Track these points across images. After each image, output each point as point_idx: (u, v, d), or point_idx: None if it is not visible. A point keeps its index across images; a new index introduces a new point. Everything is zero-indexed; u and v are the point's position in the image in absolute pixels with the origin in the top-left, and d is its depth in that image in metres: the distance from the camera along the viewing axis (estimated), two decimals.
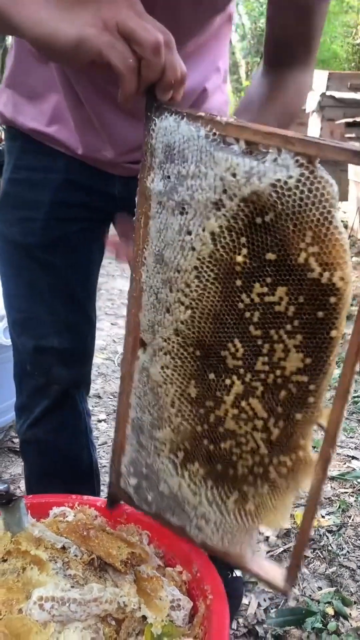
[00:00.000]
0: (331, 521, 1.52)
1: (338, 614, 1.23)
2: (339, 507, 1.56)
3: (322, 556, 1.37)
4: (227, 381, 0.79)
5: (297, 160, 0.65)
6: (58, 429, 1.22)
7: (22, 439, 1.28)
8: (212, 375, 0.80)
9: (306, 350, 0.72)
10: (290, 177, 0.65)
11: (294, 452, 0.78)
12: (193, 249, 0.75)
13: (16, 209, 1.07)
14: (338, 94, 7.45)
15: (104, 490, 1.21)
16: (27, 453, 1.30)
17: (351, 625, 1.20)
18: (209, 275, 0.75)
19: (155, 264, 0.80)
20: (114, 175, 1.05)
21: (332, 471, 1.78)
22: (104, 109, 0.98)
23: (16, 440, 2.07)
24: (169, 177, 0.75)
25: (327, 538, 1.47)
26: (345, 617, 1.21)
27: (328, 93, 7.50)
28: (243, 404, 0.79)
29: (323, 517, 1.57)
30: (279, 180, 0.66)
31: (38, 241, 1.06)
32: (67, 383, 1.20)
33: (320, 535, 1.48)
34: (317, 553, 1.38)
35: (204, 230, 0.73)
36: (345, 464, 1.86)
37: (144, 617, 0.86)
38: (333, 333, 0.70)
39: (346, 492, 1.63)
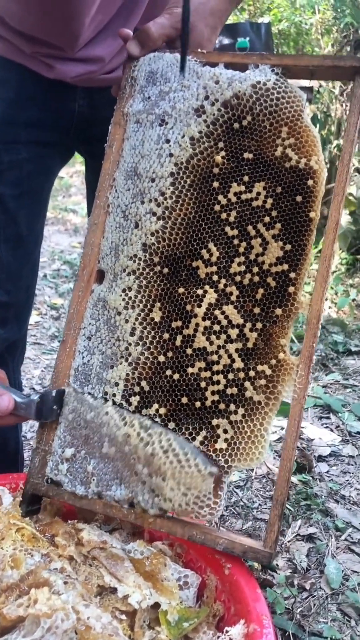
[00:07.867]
0: (237, 476, 1.47)
1: (265, 568, 1.13)
2: None
3: (236, 512, 1.34)
4: (199, 291, 0.76)
5: (273, 70, 0.77)
6: None
7: None
8: (181, 290, 0.77)
9: (285, 237, 0.74)
10: (269, 79, 0.76)
11: (274, 357, 0.73)
12: (171, 155, 0.78)
13: None
14: None
15: None
16: None
17: (285, 577, 1.09)
18: (185, 182, 0.78)
19: (126, 181, 0.80)
20: (76, 87, 0.97)
21: None
22: None
23: None
24: (149, 97, 0.81)
25: (237, 494, 1.40)
26: (274, 570, 1.11)
27: None
28: (217, 313, 0.75)
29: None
30: (259, 82, 0.76)
31: None
32: (2, 345, 0.99)
33: (230, 491, 1.40)
34: (230, 510, 1.35)
35: (183, 136, 0.78)
36: None
37: (156, 605, 0.66)
38: (312, 214, 0.73)
39: None
